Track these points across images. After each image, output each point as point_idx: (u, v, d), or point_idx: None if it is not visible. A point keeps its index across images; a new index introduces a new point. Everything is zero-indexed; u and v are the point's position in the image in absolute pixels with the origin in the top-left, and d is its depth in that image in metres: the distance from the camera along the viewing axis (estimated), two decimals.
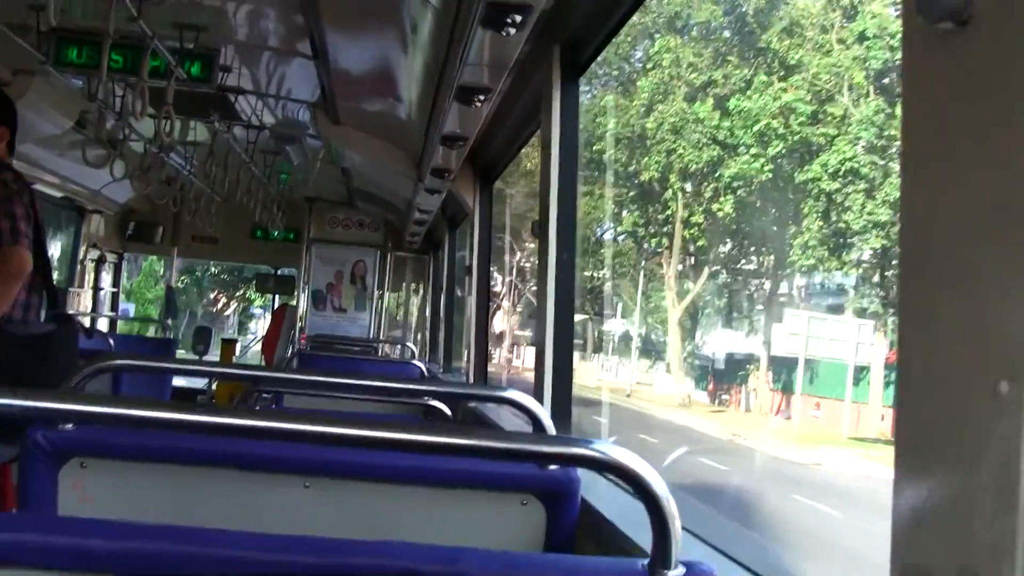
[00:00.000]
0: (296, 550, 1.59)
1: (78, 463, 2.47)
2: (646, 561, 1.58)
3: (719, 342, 40.53)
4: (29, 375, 4.62)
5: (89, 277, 11.98)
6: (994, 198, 1.14)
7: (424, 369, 7.06)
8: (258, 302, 49.07)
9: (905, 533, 1.25)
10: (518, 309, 44.84)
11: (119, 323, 14.11)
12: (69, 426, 2.47)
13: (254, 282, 19.39)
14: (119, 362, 3.32)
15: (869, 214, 30.67)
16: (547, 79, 4.07)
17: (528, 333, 41.83)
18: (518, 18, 3.49)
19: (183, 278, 40.82)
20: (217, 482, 2.59)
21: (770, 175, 33.78)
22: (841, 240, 32.28)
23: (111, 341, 8.70)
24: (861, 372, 30.27)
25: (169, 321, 13.66)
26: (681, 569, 1.56)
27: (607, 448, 1.67)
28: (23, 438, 2.46)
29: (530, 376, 4.50)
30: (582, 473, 2.70)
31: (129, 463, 2.53)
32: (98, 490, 2.48)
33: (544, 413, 2.89)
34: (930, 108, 1.25)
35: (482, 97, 4.58)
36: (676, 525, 1.58)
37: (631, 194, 38.66)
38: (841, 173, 31.65)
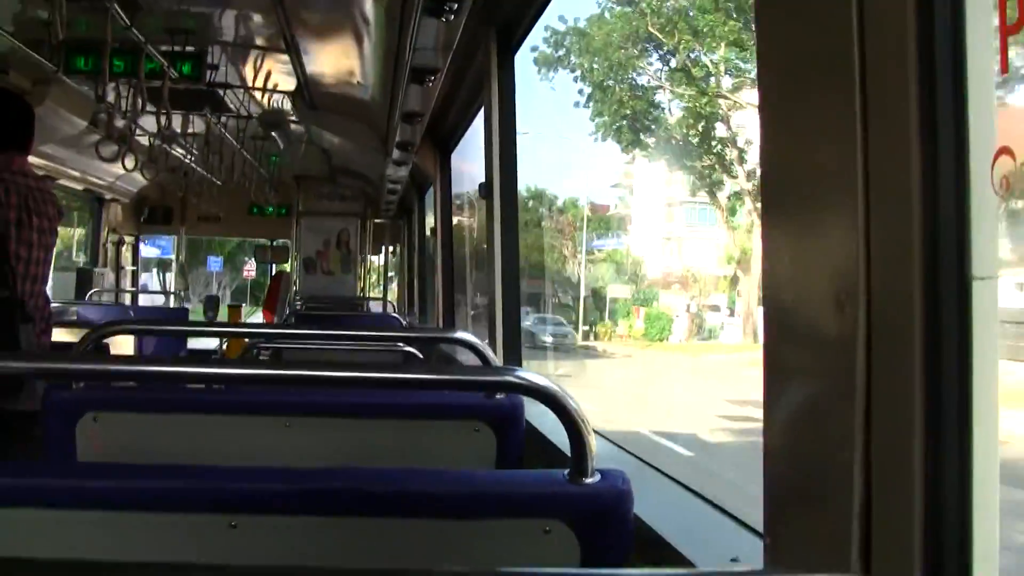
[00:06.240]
0: (278, 479, 1.59)
1: (91, 417, 2.45)
2: (567, 471, 1.56)
3: None
4: None
5: (111, 257, 11.85)
6: (829, 153, 1.14)
7: (402, 321, 7.05)
8: None
9: (776, 430, 1.24)
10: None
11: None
12: (82, 385, 2.46)
13: None
14: (122, 326, 3.29)
15: None
16: (486, 58, 4.06)
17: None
18: (455, 4, 3.46)
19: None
20: (210, 427, 2.57)
21: None
22: None
23: (131, 312, 8.62)
24: None
25: (182, 292, 13.57)
26: (597, 476, 1.55)
27: (528, 375, 1.65)
28: (43, 397, 2.44)
29: None
30: (529, 403, 2.69)
31: (134, 415, 2.51)
32: (109, 439, 2.46)
33: (488, 350, 2.87)
34: (782, 68, 1.22)
35: (432, 77, 4.55)
36: (590, 438, 1.56)
37: None
38: None
